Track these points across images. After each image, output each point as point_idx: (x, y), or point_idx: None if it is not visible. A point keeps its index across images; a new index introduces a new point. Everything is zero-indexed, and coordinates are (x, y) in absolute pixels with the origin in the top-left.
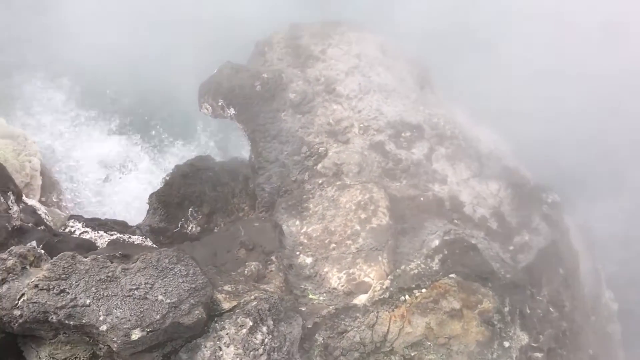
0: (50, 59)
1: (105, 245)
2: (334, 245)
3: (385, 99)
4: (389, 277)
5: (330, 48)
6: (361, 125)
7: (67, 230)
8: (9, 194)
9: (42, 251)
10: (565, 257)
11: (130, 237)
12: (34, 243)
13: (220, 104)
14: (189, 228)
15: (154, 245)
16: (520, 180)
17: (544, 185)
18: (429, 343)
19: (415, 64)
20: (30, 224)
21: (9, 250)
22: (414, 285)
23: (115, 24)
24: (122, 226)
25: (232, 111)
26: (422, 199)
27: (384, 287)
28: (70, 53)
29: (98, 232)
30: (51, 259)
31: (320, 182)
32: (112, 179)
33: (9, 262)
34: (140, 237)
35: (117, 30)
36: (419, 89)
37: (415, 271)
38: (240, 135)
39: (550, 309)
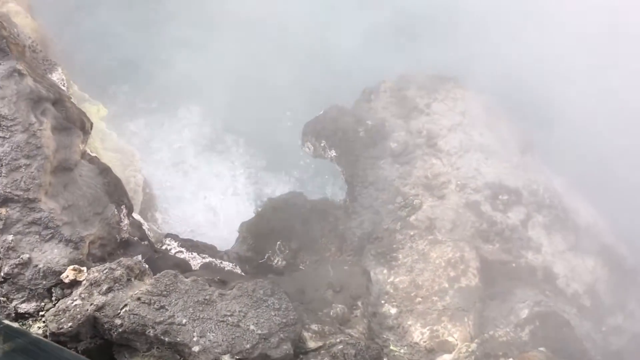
0: (163, 84)
1: (198, 267)
2: (419, 299)
3: (486, 159)
4: (476, 340)
5: (436, 103)
6: (458, 182)
7: (164, 247)
8: (122, 207)
9: (147, 266)
10: None
11: (221, 262)
12: (139, 257)
13: (322, 144)
14: (275, 261)
15: (243, 274)
16: (618, 259)
17: None
18: None
19: (518, 127)
20: (135, 238)
21: (118, 261)
22: (501, 353)
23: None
24: (212, 250)
25: (333, 153)
26: (514, 265)
27: (470, 350)
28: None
29: (192, 254)
30: (154, 274)
31: (411, 234)
32: (206, 202)
33: (117, 273)
34: (231, 264)
35: (232, 64)
36: (520, 153)
37: (504, 339)
38: (337, 177)
39: None
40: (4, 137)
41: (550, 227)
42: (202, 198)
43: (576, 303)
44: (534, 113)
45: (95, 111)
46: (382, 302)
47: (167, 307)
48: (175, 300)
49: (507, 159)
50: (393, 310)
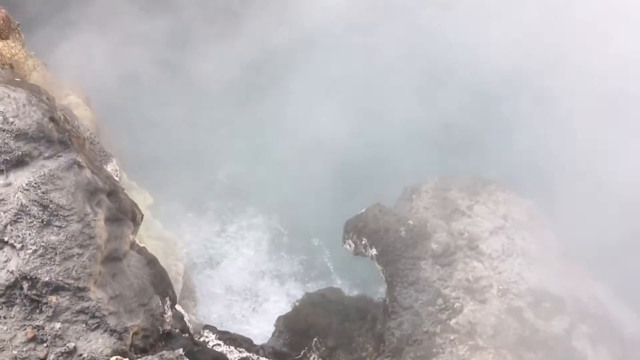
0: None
1: None
2: None
3: (528, 264)
4: None
5: (477, 205)
6: (500, 287)
7: (202, 339)
8: (166, 298)
9: None
10: None
11: (258, 358)
12: (180, 351)
13: (363, 242)
14: (311, 358)
15: None
16: None
17: None
18: None
19: (561, 233)
20: (177, 330)
21: (160, 354)
22: None
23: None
24: (248, 344)
25: (373, 251)
26: None
27: None
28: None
29: (229, 347)
30: None
31: (452, 338)
32: (242, 294)
33: None
34: None
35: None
36: (563, 259)
37: None
38: (374, 276)
39: None
40: (60, 227)
41: (595, 338)
42: (240, 291)
43: None
44: (576, 218)
45: (141, 200)
46: None
47: None
48: None
49: (550, 265)
50: None
